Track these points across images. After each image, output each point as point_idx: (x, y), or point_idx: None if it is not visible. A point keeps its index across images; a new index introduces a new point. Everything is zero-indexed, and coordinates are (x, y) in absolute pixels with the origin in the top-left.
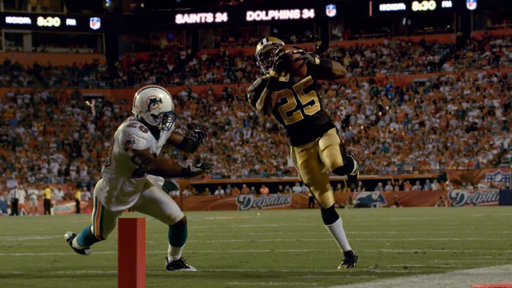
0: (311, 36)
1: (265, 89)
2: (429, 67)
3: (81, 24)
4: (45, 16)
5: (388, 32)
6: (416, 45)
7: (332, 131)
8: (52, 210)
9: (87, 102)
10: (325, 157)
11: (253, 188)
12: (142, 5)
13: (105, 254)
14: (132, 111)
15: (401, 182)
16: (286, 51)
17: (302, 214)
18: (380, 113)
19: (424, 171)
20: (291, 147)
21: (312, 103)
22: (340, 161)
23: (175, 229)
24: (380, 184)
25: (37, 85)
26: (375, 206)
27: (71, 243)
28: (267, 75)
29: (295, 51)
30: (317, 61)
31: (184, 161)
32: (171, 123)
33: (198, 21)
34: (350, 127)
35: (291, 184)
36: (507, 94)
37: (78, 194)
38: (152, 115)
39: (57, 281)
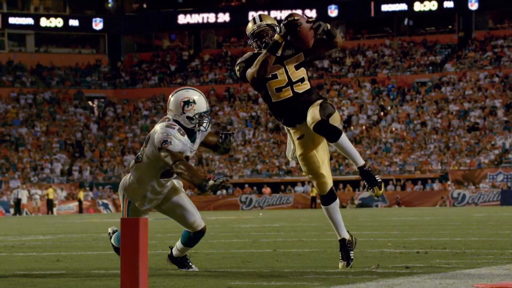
0: None
1: (264, 51)
2: (430, 67)
3: (84, 25)
4: (47, 17)
5: (390, 32)
6: (418, 45)
7: (319, 101)
8: (54, 210)
9: (90, 102)
10: (307, 117)
11: (255, 188)
12: (145, 5)
13: (107, 254)
14: (167, 114)
15: (403, 182)
16: (296, 18)
17: (304, 214)
18: (382, 113)
19: (426, 171)
20: (288, 134)
21: (302, 80)
22: (317, 116)
23: (194, 235)
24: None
25: (39, 85)
26: (377, 206)
27: (110, 237)
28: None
29: (309, 19)
30: (329, 26)
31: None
32: (207, 124)
33: (200, 21)
34: (352, 127)
35: (293, 184)
36: (508, 94)
37: (81, 194)
38: (187, 117)
39: (60, 281)
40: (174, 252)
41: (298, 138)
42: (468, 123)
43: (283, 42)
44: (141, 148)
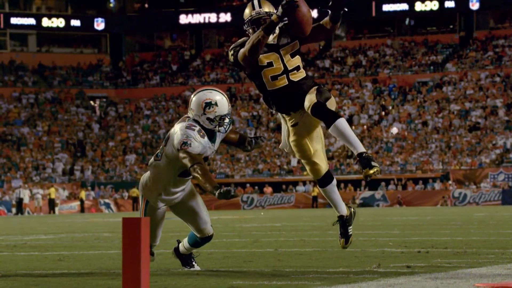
0: None
1: (259, 30)
2: (432, 67)
3: (86, 25)
4: (49, 17)
5: (391, 32)
6: (419, 45)
7: (316, 87)
8: (56, 209)
9: (92, 102)
10: (305, 102)
11: (256, 187)
12: (146, 5)
13: (109, 253)
14: (188, 113)
15: (404, 182)
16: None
17: (306, 214)
18: (383, 113)
19: (427, 170)
20: (282, 120)
21: (297, 68)
22: (314, 99)
23: (201, 240)
24: (383, 183)
25: (41, 85)
26: (378, 205)
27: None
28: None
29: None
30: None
31: None
32: (228, 126)
33: (201, 21)
34: (353, 127)
35: (295, 183)
36: (509, 94)
37: (83, 194)
38: (208, 118)
39: (62, 280)
40: (181, 248)
41: (292, 125)
42: (469, 123)
43: (279, 24)
44: (161, 147)
